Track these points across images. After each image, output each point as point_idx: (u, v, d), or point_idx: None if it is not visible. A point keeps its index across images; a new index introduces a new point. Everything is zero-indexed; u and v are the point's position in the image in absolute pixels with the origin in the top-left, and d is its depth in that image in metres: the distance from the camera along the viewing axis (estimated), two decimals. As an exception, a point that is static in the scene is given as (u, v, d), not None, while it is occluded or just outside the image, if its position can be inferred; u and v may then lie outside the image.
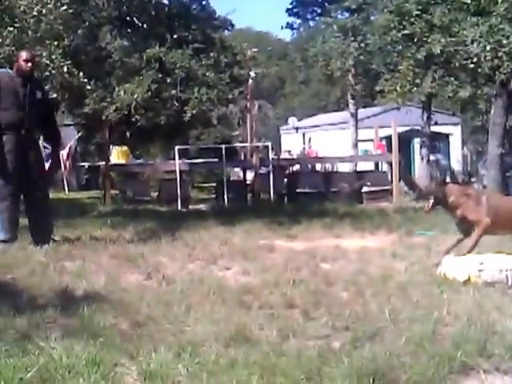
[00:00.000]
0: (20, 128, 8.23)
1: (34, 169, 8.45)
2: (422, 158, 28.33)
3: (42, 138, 9.35)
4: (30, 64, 8.39)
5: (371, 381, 3.52)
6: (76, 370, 3.61)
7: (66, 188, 27.88)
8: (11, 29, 12.09)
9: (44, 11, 12.27)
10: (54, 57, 12.81)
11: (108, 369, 3.67)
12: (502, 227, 7.14)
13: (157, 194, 20.82)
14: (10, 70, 8.60)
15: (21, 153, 8.27)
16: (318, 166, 26.52)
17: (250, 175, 21.27)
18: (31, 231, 8.45)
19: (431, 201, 7.12)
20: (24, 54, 8.55)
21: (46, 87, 14.58)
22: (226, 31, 28.17)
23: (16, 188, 8.24)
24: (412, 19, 24.97)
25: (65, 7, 12.61)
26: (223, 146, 19.66)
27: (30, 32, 12.47)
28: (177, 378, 3.61)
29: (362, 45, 27.90)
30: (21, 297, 5.36)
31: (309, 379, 3.62)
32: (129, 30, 23.23)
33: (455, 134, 36.65)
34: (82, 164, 30.48)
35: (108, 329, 4.49)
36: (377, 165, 23.65)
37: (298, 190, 19.82)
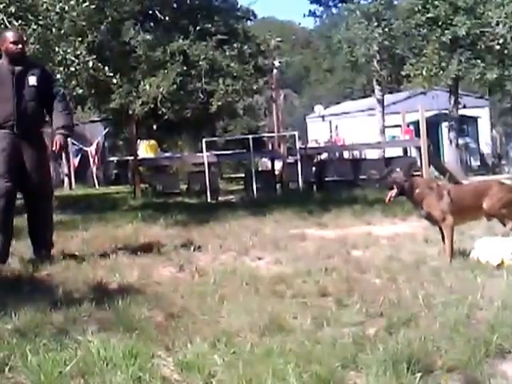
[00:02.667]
0: (11, 123, 6.96)
1: (33, 171, 7.07)
2: (451, 142, 28.17)
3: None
4: (19, 46, 7.15)
5: (407, 366, 3.51)
6: (114, 363, 3.65)
7: (96, 183, 28.10)
8: (35, 27, 12.17)
9: (67, 8, 12.34)
10: (78, 52, 12.89)
11: (145, 361, 3.70)
12: (468, 216, 7.01)
13: (186, 186, 20.89)
14: None
15: (15, 152, 6.97)
16: (346, 154, 26.44)
17: (278, 165, 21.25)
18: (31, 239, 7.34)
19: (394, 191, 6.87)
20: (11, 35, 7.30)
21: (73, 83, 14.69)
22: (248, 21, 28.14)
23: (8, 192, 6.94)
24: (436, 2, 24.83)
25: (87, 3, 12.66)
26: (250, 137, 19.65)
27: (53, 29, 12.55)
28: (213, 369, 3.63)
29: (386, 30, 27.71)
30: (56, 292, 5.42)
31: (344, 366, 3.63)
32: (152, 24, 23.33)
33: (483, 116, 36.36)
34: (110, 159, 30.66)
35: (143, 321, 4.52)
36: (405, 150, 23.53)
37: (326, 179, 19.81)
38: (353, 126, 35.15)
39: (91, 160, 29.40)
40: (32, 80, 7.09)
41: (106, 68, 13.59)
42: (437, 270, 6.01)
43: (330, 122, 38.80)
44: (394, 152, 24.94)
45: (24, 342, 4.01)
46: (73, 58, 12.80)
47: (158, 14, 22.32)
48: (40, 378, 3.46)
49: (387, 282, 5.63)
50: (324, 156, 24.79)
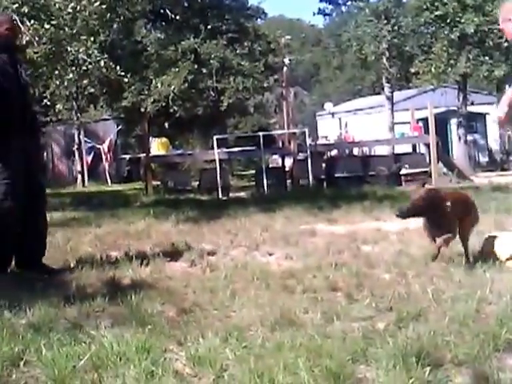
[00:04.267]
0: (22, 124, 6.02)
1: (37, 175, 6.34)
2: (460, 139, 28.12)
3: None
4: (15, 34, 6.35)
5: (416, 360, 3.50)
6: (127, 357, 3.65)
7: (109, 180, 28.16)
8: (48, 26, 12.21)
9: (79, 8, 12.39)
10: (90, 52, 12.93)
11: (157, 355, 3.70)
12: None
13: (197, 183, 20.91)
14: None
15: (24, 157, 6.06)
16: (356, 150, 26.41)
17: (288, 162, 21.25)
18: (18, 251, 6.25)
19: None
20: (5, 20, 6.27)
21: (85, 82, 14.73)
22: (258, 20, 28.22)
23: (14, 211, 6.00)
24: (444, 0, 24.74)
25: (99, 3, 12.70)
26: (261, 134, 19.66)
27: (66, 29, 12.60)
28: (225, 363, 3.62)
29: (395, 27, 27.70)
30: (70, 287, 5.44)
31: (354, 360, 3.62)
32: (163, 23, 23.45)
33: (492, 113, 36.23)
34: (122, 156, 30.73)
35: (156, 316, 4.53)
36: (414, 147, 23.49)
37: (336, 175, 19.80)
38: (362, 122, 35.10)
39: (104, 157, 29.49)
40: (23, 74, 6.32)
41: (118, 67, 13.62)
42: (446, 265, 5.98)
43: (340, 119, 38.73)
44: (403, 148, 24.90)
45: (38, 337, 4.02)
46: (85, 58, 12.84)
47: (169, 13, 22.39)
48: (54, 372, 3.47)
49: (396, 277, 5.61)
50: (334, 153, 24.77)
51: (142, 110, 21.23)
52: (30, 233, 6.21)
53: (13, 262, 6.31)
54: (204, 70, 21.88)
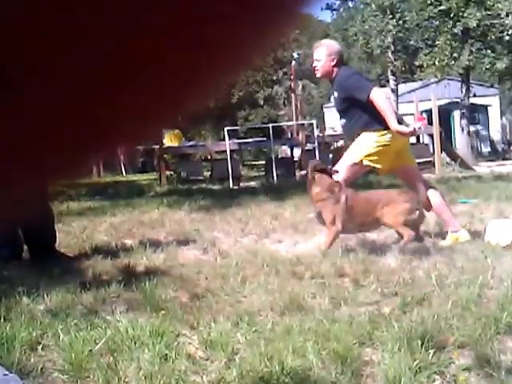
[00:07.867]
0: None
1: None
2: (462, 130, 28.03)
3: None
4: None
5: (421, 343, 3.49)
6: (141, 341, 3.65)
7: (124, 170, 28.20)
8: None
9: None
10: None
11: (171, 339, 3.70)
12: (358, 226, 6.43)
13: (209, 173, 20.91)
14: None
15: None
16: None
17: (296, 152, 21.23)
18: (25, 239, 6.28)
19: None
20: None
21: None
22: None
23: None
24: (448, -6, 24.64)
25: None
26: (270, 126, 19.63)
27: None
28: (236, 346, 3.62)
29: (400, 22, 27.62)
30: (86, 274, 5.45)
31: (361, 344, 3.61)
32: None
33: (494, 104, 36.09)
34: (137, 147, 30.75)
35: (169, 301, 4.53)
36: (418, 137, 23.41)
37: (343, 165, 19.74)
38: (368, 114, 34.97)
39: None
40: None
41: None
42: (449, 251, 5.97)
43: (346, 111, 38.57)
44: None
45: (56, 322, 4.03)
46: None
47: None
48: (71, 356, 3.47)
49: (401, 263, 5.60)
50: (341, 143, 24.71)
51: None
52: (36, 222, 5.96)
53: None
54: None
